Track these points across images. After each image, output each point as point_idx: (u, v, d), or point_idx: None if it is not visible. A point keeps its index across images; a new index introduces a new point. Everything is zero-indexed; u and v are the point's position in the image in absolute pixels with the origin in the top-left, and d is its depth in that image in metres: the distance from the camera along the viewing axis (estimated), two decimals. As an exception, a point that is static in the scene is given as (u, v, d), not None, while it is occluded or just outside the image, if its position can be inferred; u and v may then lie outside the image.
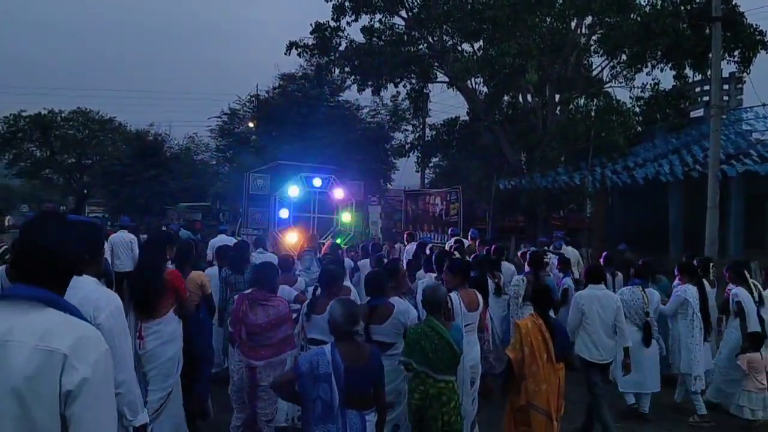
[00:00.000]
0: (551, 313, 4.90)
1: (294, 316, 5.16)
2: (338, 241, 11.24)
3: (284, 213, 12.07)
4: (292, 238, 11.03)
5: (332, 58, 23.09)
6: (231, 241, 10.36)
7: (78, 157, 43.68)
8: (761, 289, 7.09)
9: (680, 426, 6.39)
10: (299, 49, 22.75)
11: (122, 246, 10.98)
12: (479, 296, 5.30)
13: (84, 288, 2.72)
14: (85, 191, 45.00)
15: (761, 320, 6.50)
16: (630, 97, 20.22)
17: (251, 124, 31.06)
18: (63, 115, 42.14)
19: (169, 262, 5.29)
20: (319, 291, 4.77)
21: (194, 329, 5.27)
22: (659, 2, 18.98)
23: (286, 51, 22.63)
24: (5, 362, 1.62)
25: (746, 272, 6.95)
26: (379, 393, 3.61)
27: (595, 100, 20.34)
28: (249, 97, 32.18)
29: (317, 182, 12.39)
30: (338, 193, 12.63)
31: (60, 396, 1.62)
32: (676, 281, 6.99)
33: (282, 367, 4.71)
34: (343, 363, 3.36)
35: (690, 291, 6.54)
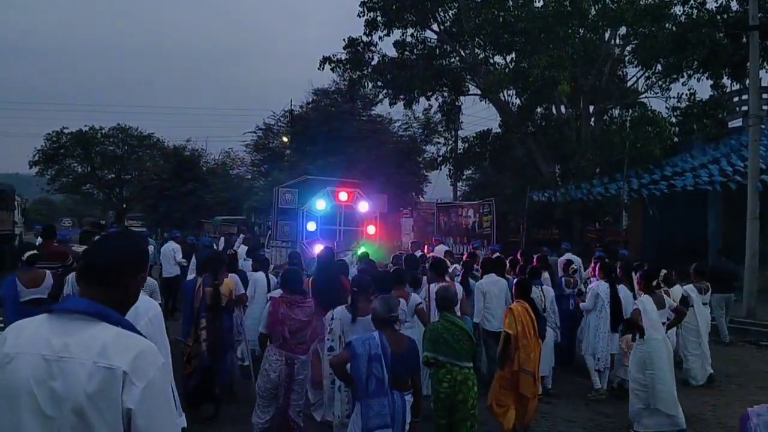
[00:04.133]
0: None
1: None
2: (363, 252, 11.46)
3: (311, 226, 12.47)
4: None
5: (365, 72, 23.30)
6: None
7: (118, 172, 44.98)
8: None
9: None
10: (332, 64, 22.99)
11: (167, 255, 12.45)
12: (458, 287, 6.89)
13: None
14: (124, 205, 46.15)
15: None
16: (666, 108, 19.98)
17: (285, 139, 31.40)
18: (103, 131, 43.52)
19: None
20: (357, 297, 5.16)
21: (229, 322, 6.45)
22: (695, 12, 18.74)
23: (320, 66, 22.91)
24: (66, 379, 1.62)
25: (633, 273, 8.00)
26: (416, 378, 4.16)
27: (630, 111, 20.10)
28: (283, 112, 32.63)
29: (343, 196, 12.72)
30: (363, 206, 12.92)
31: (122, 413, 1.62)
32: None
33: (310, 357, 5.31)
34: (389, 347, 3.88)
35: (602, 287, 7.69)
